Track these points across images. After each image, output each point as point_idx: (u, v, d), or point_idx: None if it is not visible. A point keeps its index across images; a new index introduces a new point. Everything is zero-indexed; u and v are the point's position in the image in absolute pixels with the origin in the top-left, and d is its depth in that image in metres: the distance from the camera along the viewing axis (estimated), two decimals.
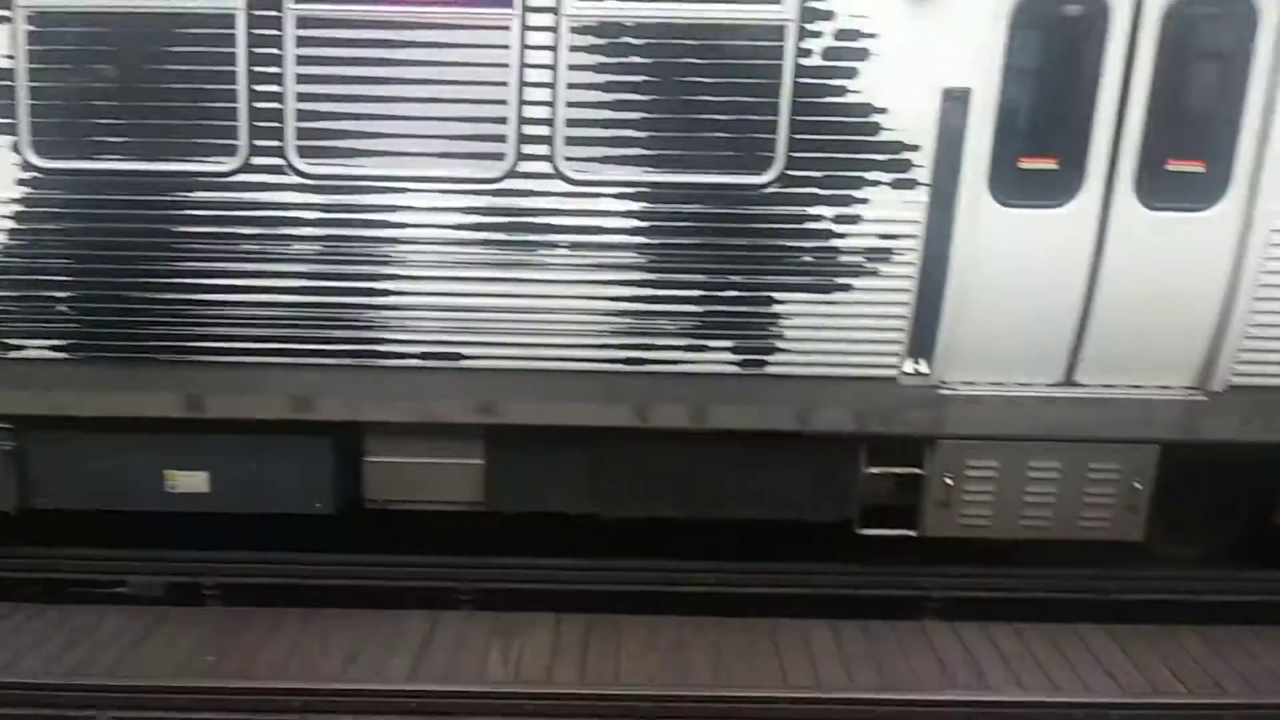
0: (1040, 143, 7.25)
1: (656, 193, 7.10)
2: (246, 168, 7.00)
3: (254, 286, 7.18)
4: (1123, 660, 7.26)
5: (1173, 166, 7.25)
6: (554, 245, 7.09)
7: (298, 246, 7.05)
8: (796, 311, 7.35)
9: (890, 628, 7.47)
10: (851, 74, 6.96)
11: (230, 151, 7.01)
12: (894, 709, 6.75)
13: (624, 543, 8.24)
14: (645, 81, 6.94)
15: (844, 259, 7.23)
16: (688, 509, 7.68)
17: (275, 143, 6.97)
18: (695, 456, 7.55)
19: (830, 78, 6.98)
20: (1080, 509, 7.68)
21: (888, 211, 7.19)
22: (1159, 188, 7.25)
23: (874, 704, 6.75)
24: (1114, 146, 7.19)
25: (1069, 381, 7.58)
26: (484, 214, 7.10)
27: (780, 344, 7.38)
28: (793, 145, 6.96)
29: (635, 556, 8.20)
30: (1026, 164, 7.20)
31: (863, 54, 6.94)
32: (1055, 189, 7.26)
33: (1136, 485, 7.61)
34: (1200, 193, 7.28)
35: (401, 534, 8.40)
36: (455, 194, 7.10)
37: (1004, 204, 7.22)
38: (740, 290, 7.25)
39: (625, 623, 7.59)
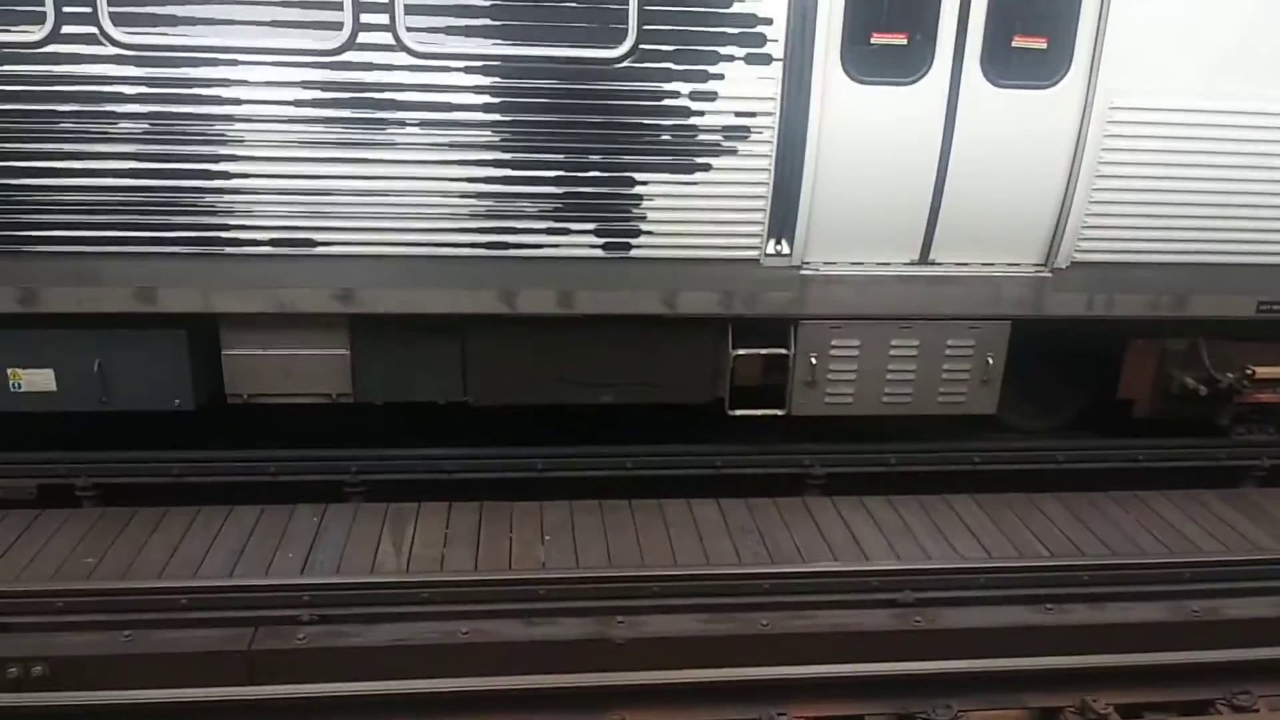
0: (891, 19, 6.32)
1: (507, 67, 5.93)
2: (55, 37, 5.15)
3: (78, 170, 5.79)
4: (990, 527, 6.55)
5: (1017, 43, 6.35)
6: (402, 123, 5.64)
7: (123, 125, 5.45)
8: (658, 193, 6.34)
9: (774, 504, 6.61)
10: None
11: (37, 19, 5.22)
12: (779, 580, 5.92)
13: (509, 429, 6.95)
14: None
15: (702, 137, 6.21)
16: (558, 395, 6.58)
17: (87, 9, 5.16)
18: (564, 342, 6.37)
19: None
20: (938, 385, 6.88)
21: (743, 88, 6.20)
22: (1005, 64, 6.35)
23: (760, 577, 5.91)
24: (961, 23, 6.29)
25: (926, 260, 6.71)
26: (323, 89, 5.67)
27: (644, 226, 6.38)
28: (644, 17, 5.76)
29: (521, 444, 7.09)
30: (878, 40, 6.29)
31: None
32: (906, 66, 6.34)
33: (990, 360, 6.82)
34: (1044, 70, 6.39)
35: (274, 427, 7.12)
36: (290, 66, 5.82)
37: (857, 80, 6.36)
38: (600, 171, 6.10)
39: (517, 509, 6.49)
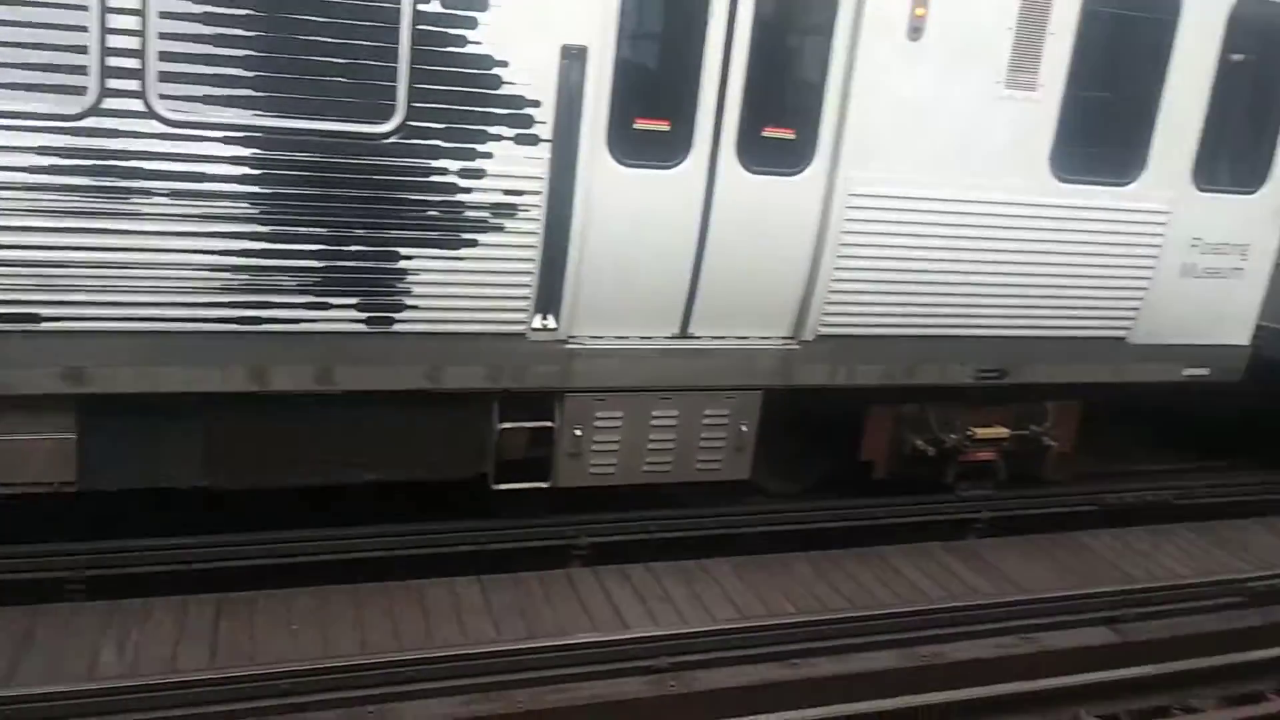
0: (654, 105, 6.30)
1: (269, 139, 5.41)
2: None
3: None
4: (742, 588, 6.60)
5: (768, 133, 6.47)
6: (149, 192, 5.12)
7: None
8: (424, 267, 5.98)
9: (538, 578, 6.40)
10: (472, 24, 5.72)
11: None
12: (537, 656, 5.69)
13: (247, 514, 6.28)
14: (252, 15, 5.31)
15: (470, 214, 5.97)
16: (315, 475, 6.02)
17: None
18: (321, 420, 5.84)
19: (451, 26, 5.70)
20: (696, 452, 6.87)
21: (512, 167, 5.97)
22: (757, 152, 6.46)
23: (519, 654, 5.67)
24: (718, 113, 6.33)
25: (685, 334, 6.69)
26: (61, 155, 5.03)
27: (408, 300, 5.98)
28: (414, 94, 5.50)
29: (262, 529, 6.47)
30: (642, 125, 6.23)
31: (483, 4, 5.64)
32: (667, 150, 6.32)
33: (743, 428, 6.90)
34: (792, 159, 6.55)
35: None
36: (25, 131, 5.04)
37: (622, 163, 6.26)
38: (365, 245, 5.76)
39: (261, 599, 5.94)
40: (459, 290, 6.05)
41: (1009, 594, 6.77)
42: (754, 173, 6.44)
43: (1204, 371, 8.01)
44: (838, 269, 6.69)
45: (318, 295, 5.79)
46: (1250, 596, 7.17)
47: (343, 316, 5.87)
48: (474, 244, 5.99)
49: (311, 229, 5.66)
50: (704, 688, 5.59)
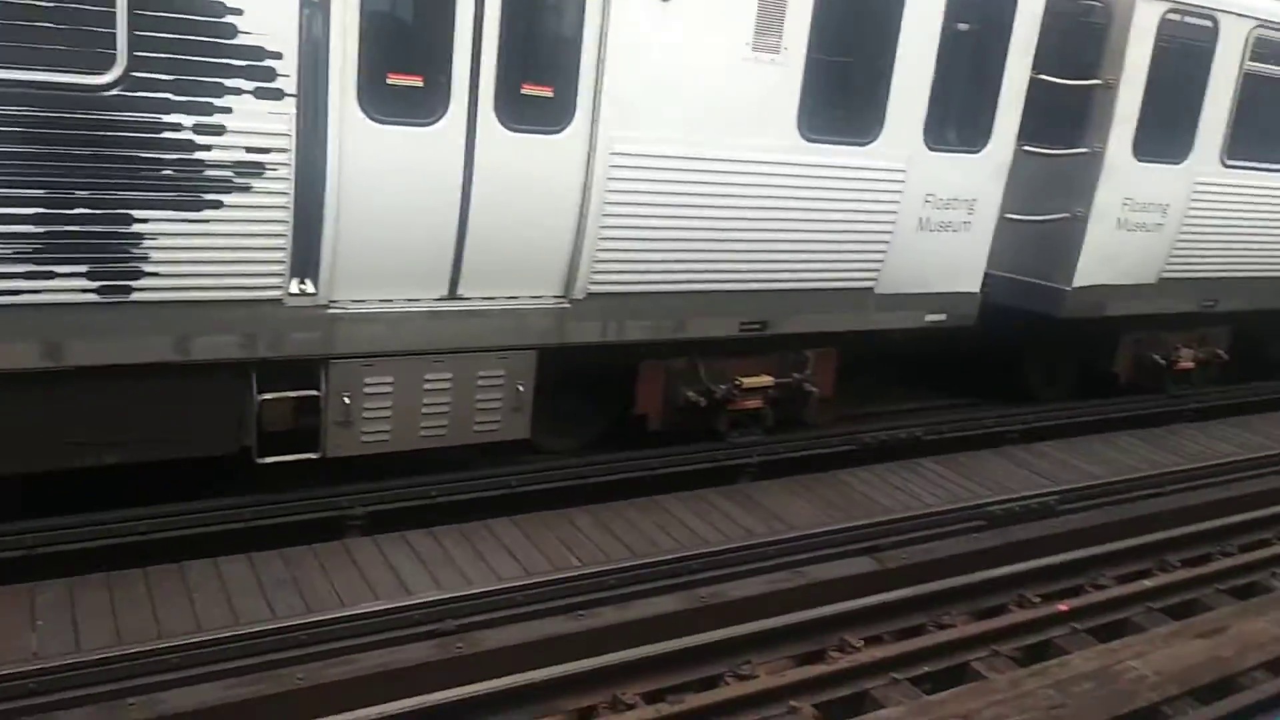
0: (406, 60, 5.95)
1: None
2: None
3: None
4: (526, 545, 6.40)
5: (527, 91, 6.25)
6: None
7: None
8: (163, 231, 5.40)
9: (312, 552, 5.99)
10: None
11: None
12: (316, 630, 5.36)
13: None
14: None
15: (211, 173, 5.43)
16: (46, 461, 5.30)
17: None
18: (54, 399, 5.12)
19: None
20: (473, 414, 6.61)
21: (254, 123, 5.47)
22: (517, 110, 6.21)
23: (295, 629, 5.31)
24: (474, 69, 6.03)
25: (454, 296, 6.39)
26: None
27: (147, 267, 5.41)
28: (136, 43, 4.96)
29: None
30: (395, 80, 5.85)
31: None
32: (423, 107, 5.97)
33: (520, 388, 6.69)
34: (552, 117, 6.34)
35: None
36: None
37: (376, 120, 5.85)
38: (91, 208, 5.17)
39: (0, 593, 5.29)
40: (205, 255, 5.51)
41: (779, 532, 6.89)
42: (515, 131, 6.19)
43: (942, 317, 8.35)
44: (604, 227, 6.53)
45: (39, 264, 5.12)
46: (990, 520, 7.56)
47: (70, 286, 5.22)
48: (218, 205, 5.48)
49: (26, 190, 4.99)
50: (492, 646, 5.40)
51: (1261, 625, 6.15)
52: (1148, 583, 7.01)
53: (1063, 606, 6.51)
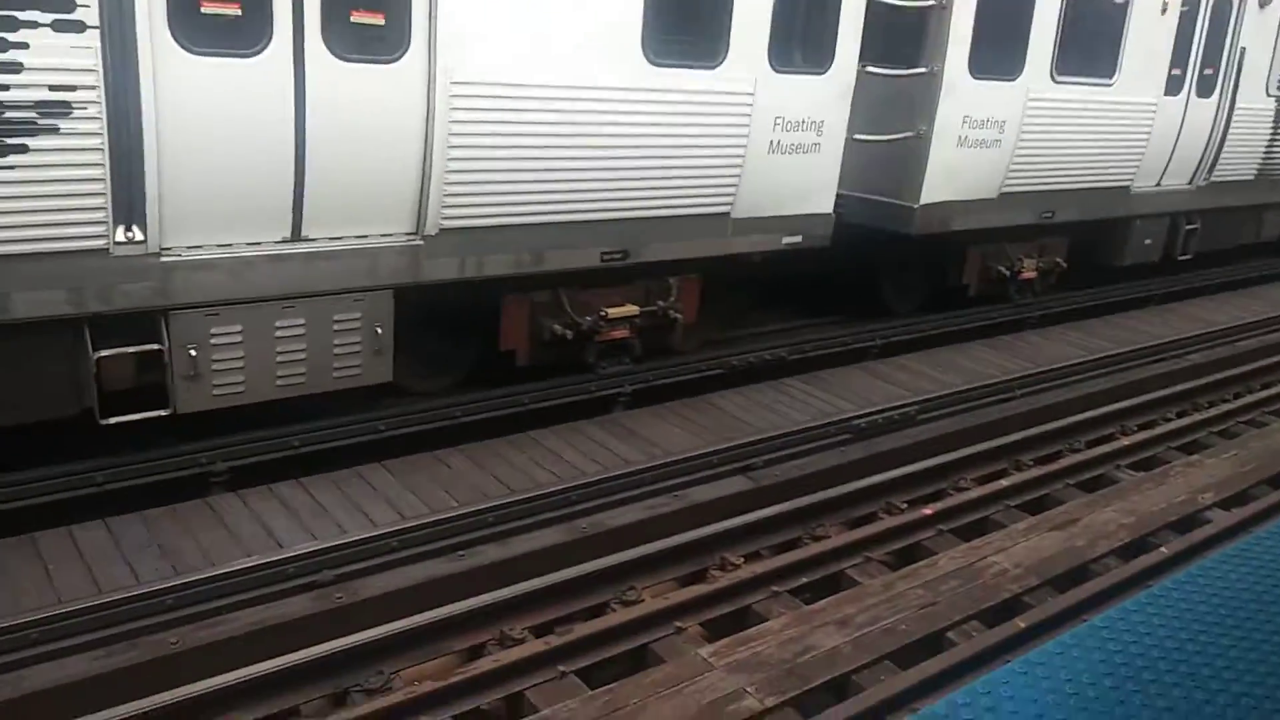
0: None
1: None
2: None
3: None
4: (401, 490, 6.18)
5: (356, 19, 5.83)
6: None
7: None
8: None
9: (173, 512, 5.67)
10: None
11: None
12: (184, 593, 5.03)
13: None
14: None
15: (10, 115, 4.87)
16: None
17: None
18: None
19: None
20: (332, 361, 6.28)
21: (55, 58, 4.92)
22: (347, 39, 5.80)
23: (162, 593, 4.99)
24: None
25: (299, 237, 5.99)
26: None
27: None
28: None
29: None
30: (210, 8, 5.37)
31: None
32: (245, 36, 5.50)
33: (379, 330, 6.37)
34: (386, 46, 5.95)
35: None
36: None
37: (193, 51, 5.36)
38: None
39: None
40: (15, 205, 4.96)
41: (656, 458, 6.81)
42: (347, 61, 5.78)
43: (798, 239, 8.35)
44: (451, 160, 6.23)
45: None
46: (856, 433, 7.65)
47: None
48: (23, 150, 4.91)
49: None
50: (372, 594, 5.14)
51: (1109, 515, 6.34)
52: (1004, 482, 7.14)
53: (928, 510, 6.62)
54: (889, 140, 8.90)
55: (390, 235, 6.34)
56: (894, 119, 8.92)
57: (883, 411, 7.84)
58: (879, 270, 10.53)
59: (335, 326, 6.23)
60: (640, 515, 6.18)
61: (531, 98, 6.49)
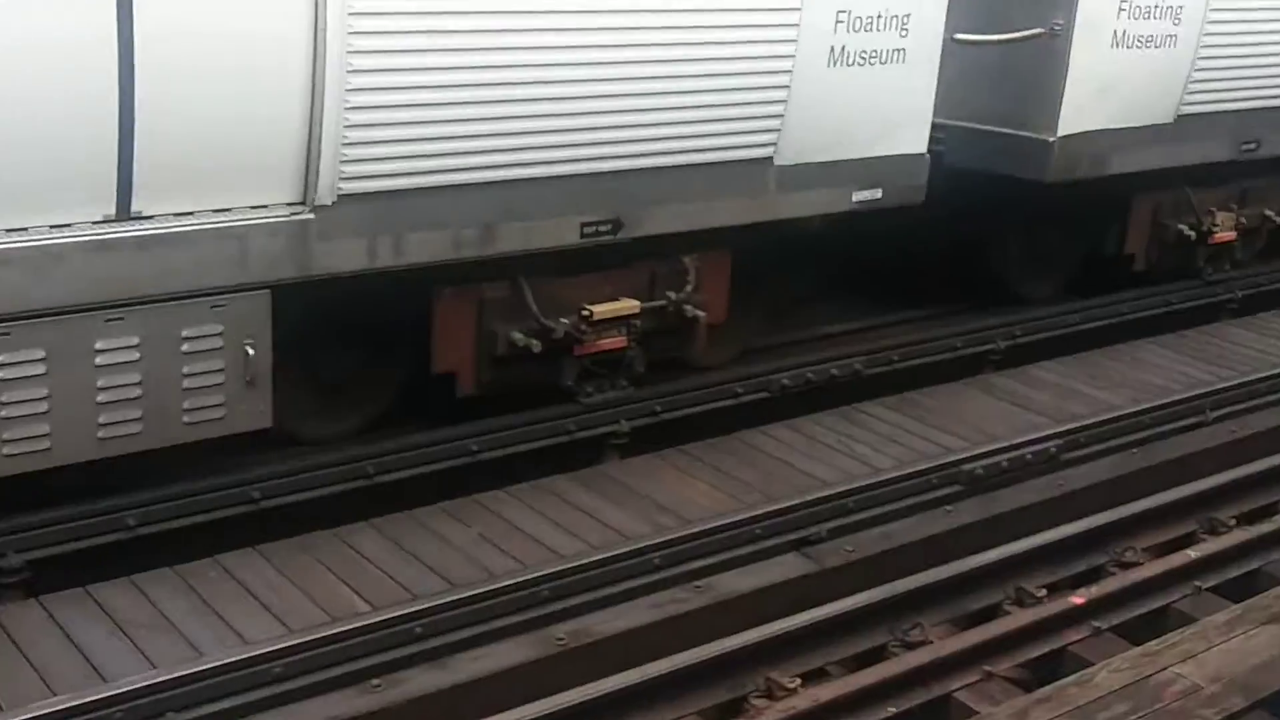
0: None
1: None
2: None
3: None
4: (284, 587, 6.33)
5: None
6: None
7: None
8: None
9: None
10: None
11: None
12: None
13: None
14: None
15: None
16: None
17: None
18: None
19: None
20: (181, 398, 6.46)
21: None
22: None
23: None
24: None
25: (129, 215, 6.10)
26: None
27: None
28: None
29: None
30: None
31: None
32: None
33: (250, 349, 6.53)
34: None
35: None
36: None
37: None
38: None
39: None
40: None
41: (667, 531, 6.89)
42: None
43: (876, 194, 8.46)
44: (352, 90, 6.36)
45: None
46: (968, 483, 7.71)
47: None
48: None
49: None
50: None
51: None
52: (1193, 554, 7.20)
53: (1078, 599, 6.69)
54: (1008, 41, 8.95)
55: (265, 208, 6.44)
56: (1014, 9, 9.00)
57: (1008, 451, 7.88)
58: (999, 238, 10.58)
59: (185, 348, 6.34)
60: (646, 618, 6.30)
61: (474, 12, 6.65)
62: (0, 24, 5.51)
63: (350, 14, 6.28)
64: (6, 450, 6.00)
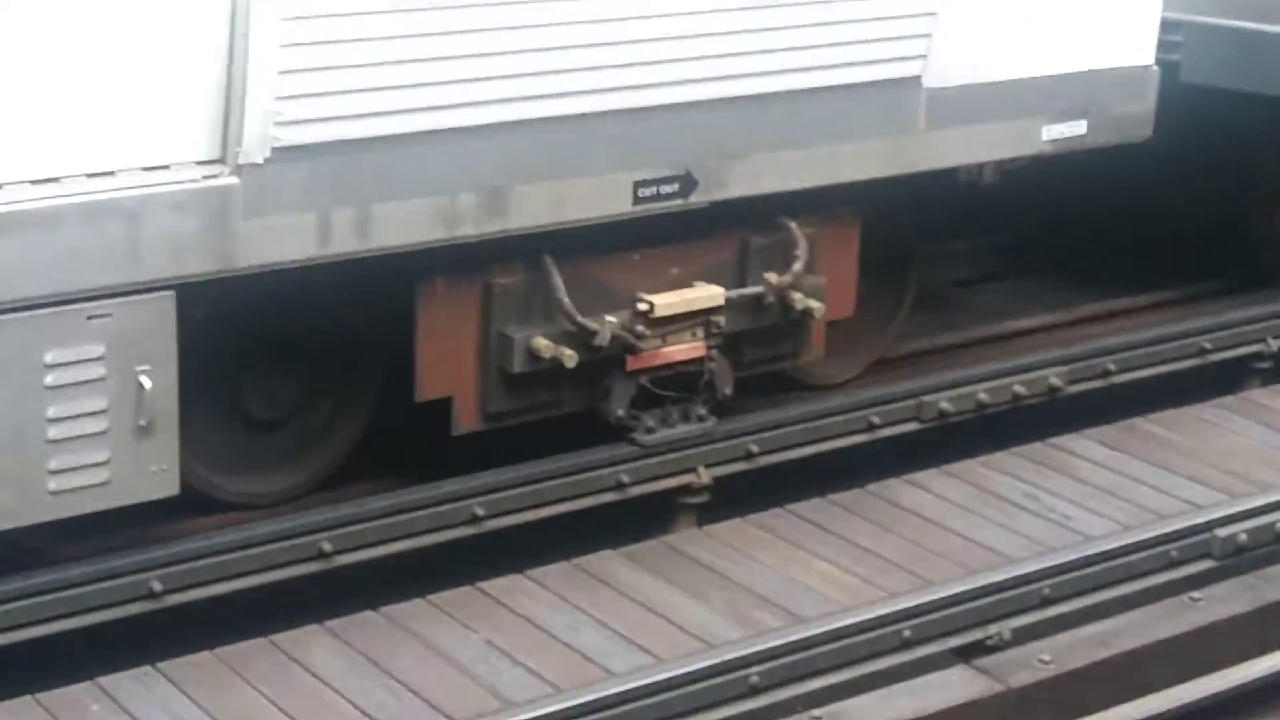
0: None
1: None
2: None
3: None
4: None
5: None
6: None
7: None
8: None
9: None
10: None
11: None
12: None
13: None
14: None
15: None
16: None
17: None
18: None
19: None
20: (43, 455, 6.49)
21: None
22: None
23: None
24: None
25: None
26: None
27: None
28: None
29: None
30: None
31: None
32: None
33: (145, 380, 6.56)
34: None
35: None
36: None
37: None
38: None
39: None
40: None
41: (769, 634, 6.77)
42: None
43: (1079, 128, 8.44)
44: (291, 20, 6.46)
45: None
46: (1221, 554, 7.56)
47: None
48: None
49: None
50: None
51: None
52: None
53: None
54: None
55: (166, 168, 6.48)
56: None
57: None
58: (1259, 193, 10.44)
59: (49, 380, 6.35)
60: None
61: None
62: None
63: None
64: None
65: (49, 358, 6.34)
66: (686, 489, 7.95)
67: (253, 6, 6.37)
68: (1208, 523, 7.65)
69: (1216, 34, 9.16)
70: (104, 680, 6.43)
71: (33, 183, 6.21)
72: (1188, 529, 7.61)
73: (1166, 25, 8.62)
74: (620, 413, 7.88)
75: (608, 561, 7.40)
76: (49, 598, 6.85)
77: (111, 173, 6.37)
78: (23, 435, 6.36)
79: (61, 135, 6.29)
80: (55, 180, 6.26)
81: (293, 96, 6.56)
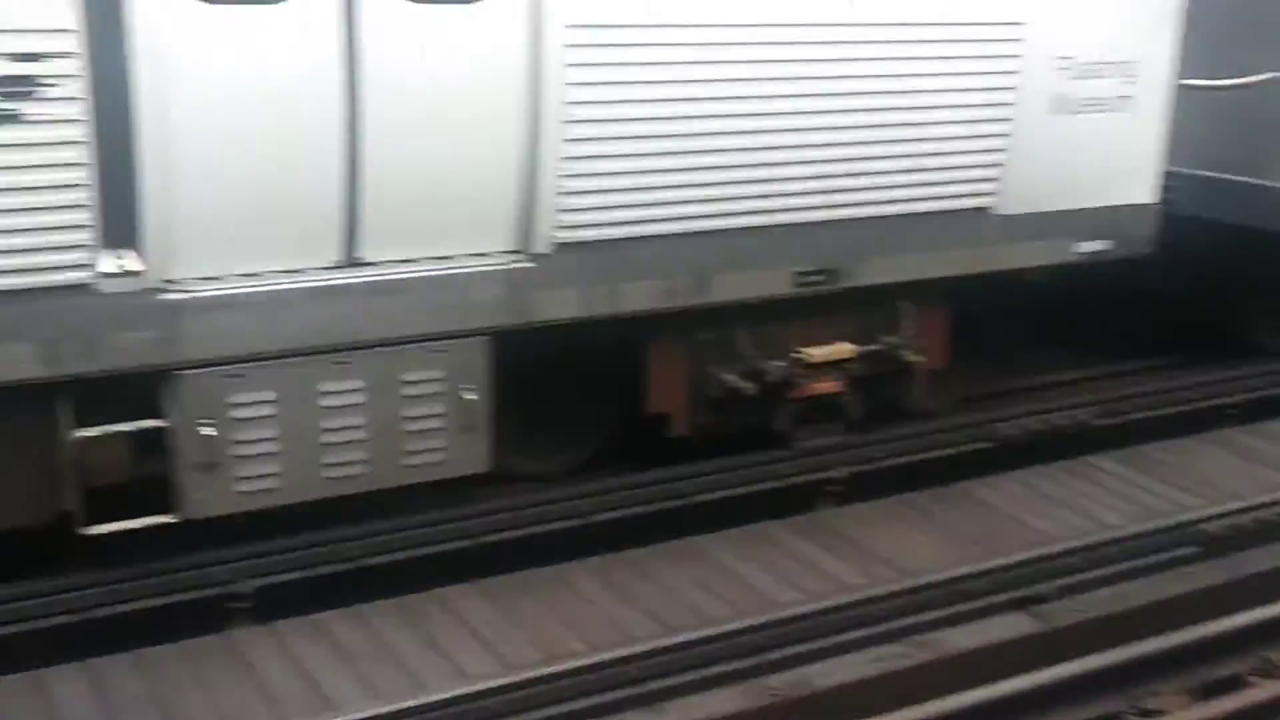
0: None
1: None
2: None
3: None
4: (503, 625, 6.23)
5: None
6: None
7: None
8: None
9: (177, 653, 5.84)
10: None
11: None
12: None
13: None
14: None
15: None
16: None
17: None
18: None
19: None
20: (403, 440, 6.42)
21: (16, 15, 5.10)
22: None
23: None
24: None
25: (353, 261, 6.16)
26: None
27: None
28: None
29: None
30: None
31: None
32: None
33: (469, 394, 6.49)
34: None
35: None
36: None
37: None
38: None
39: None
40: None
41: (885, 582, 6.69)
42: (418, 0, 5.88)
43: (1104, 245, 8.20)
44: (570, 141, 6.30)
45: None
46: (1208, 544, 7.33)
47: None
48: None
49: None
50: None
51: None
52: None
53: None
54: (1243, 86, 8.60)
55: (484, 255, 6.43)
56: (1250, 51, 8.68)
57: (1252, 510, 7.58)
58: (1239, 291, 10.15)
59: (406, 391, 6.30)
60: (863, 672, 6.00)
61: (689, 42, 6.51)
62: (237, 79, 5.61)
63: (568, 65, 6.27)
64: (240, 488, 6.04)
65: (408, 377, 6.34)
66: (829, 481, 7.81)
67: (543, 158, 6.34)
68: (1194, 520, 7.56)
69: (1193, 182, 8.92)
70: (439, 591, 6.47)
71: (397, 262, 6.24)
72: (1180, 524, 7.53)
73: (1166, 175, 8.40)
74: (784, 428, 7.80)
75: (775, 528, 7.34)
76: (403, 534, 6.85)
77: (449, 257, 6.37)
78: (390, 427, 6.34)
79: (421, 233, 6.31)
80: (413, 261, 6.29)
81: (569, 210, 6.50)
